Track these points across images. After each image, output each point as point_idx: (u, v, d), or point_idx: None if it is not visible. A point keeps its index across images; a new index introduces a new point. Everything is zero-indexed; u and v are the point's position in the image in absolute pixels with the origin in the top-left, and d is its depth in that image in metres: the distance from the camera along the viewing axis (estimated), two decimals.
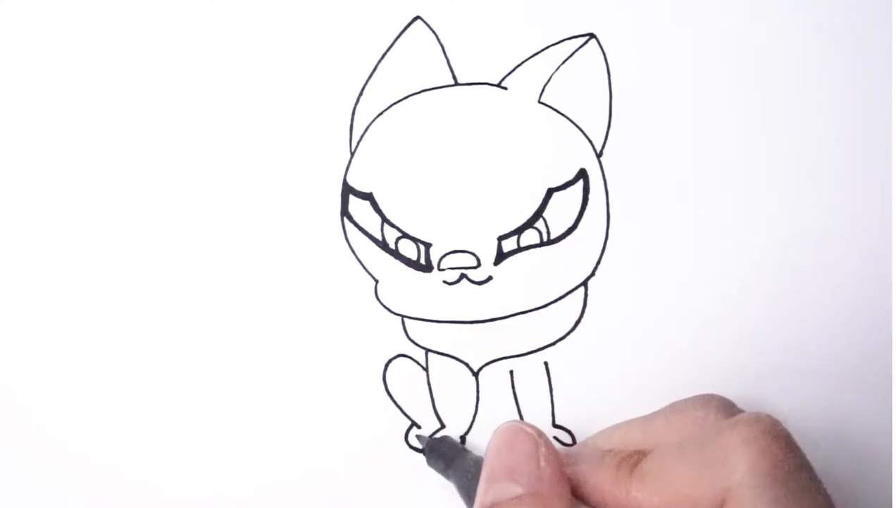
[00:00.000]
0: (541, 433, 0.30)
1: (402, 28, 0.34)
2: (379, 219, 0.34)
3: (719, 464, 0.28)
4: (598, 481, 0.30)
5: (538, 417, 0.35)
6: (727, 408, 0.31)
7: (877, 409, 0.34)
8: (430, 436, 0.35)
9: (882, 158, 0.34)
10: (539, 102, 0.34)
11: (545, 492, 0.29)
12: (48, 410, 0.35)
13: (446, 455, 0.34)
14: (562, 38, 0.34)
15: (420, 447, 0.35)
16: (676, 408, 0.32)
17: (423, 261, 0.34)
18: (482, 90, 0.34)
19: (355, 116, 0.34)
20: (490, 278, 0.34)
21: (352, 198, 0.34)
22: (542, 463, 0.29)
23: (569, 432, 0.35)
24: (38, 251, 0.35)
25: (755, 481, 0.27)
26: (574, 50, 0.34)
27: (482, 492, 0.30)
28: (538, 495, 0.29)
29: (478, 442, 0.35)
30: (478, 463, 0.32)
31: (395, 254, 0.34)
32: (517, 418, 0.35)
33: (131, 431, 0.35)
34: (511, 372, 0.35)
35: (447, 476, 0.34)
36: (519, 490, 0.29)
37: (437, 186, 0.34)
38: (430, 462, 0.34)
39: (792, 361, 0.34)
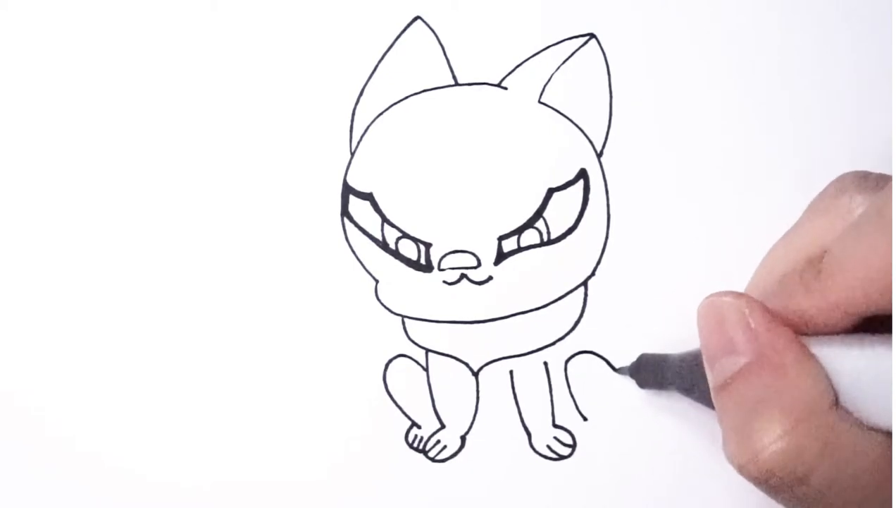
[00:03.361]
0: (738, 295, 0.29)
1: (402, 28, 0.34)
2: (379, 219, 0.34)
3: None
4: (790, 305, 0.29)
5: (538, 417, 0.35)
6: (864, 179, 0.29)
7: None
8: (618, 369, 0.34)
9: (883, 158, 0.34)
10: (539, 102, 0.34)
11: (767, 350, 0.28)
12: (48, 409, 0.35)
13: (653, 373, 0.34)
14: (562, 39, 0.34)
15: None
16: (816, 209, 0.30)
17: (423, 261, 0.34)
18: (482, 90, 0.34)
19: (355, 116, 0.34)
20: (490, 278, 0.34)
21: (352, 198, 0.34)
22: (753, 324, 0.29)
23: (569, 432, 0.35)
24: (40, 251, 0.35)
25: None
26: (574, 50, 0.34)
27: (711, 377, 0.30)
28: (762, 356, 0.28)
29: (479, 442, 0.35)
30: (685, 361, 0.32)
31: (395, 254, 0.34)
32: (517, 418, 0.35)
33: (133, 431, 0.35)
34: (511, 372, 0.35)
35: (667, 389, 0.34)
36: (742, 360, 0.28)
37: (437, 186, 0.34)
38: (643, 386, 0.34)
39: None
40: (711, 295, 0.30)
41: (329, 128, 0.34)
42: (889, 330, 0.27)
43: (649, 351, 0.34)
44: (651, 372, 0.34)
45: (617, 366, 0.35)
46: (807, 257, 0.29)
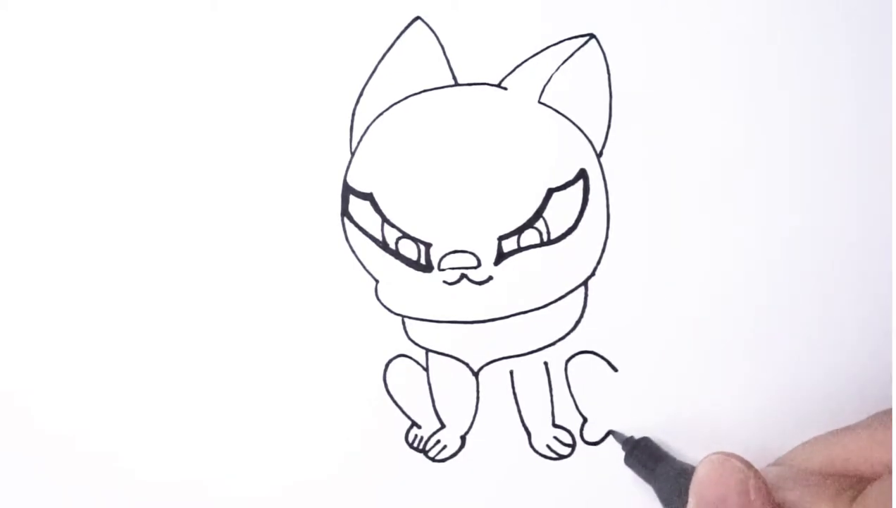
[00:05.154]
0: (749, 465, 0.30)
1: (402, 28, 0.34)
2: (379, 219, 0.34)
3: None
4: (810, 505, 0.30)
5: (538, 417, 0.35)
6: None
7: (876, 409, 0.34)
8: (627, 438, 0.34)
9: (883, 157, 0.34)
10: (539, 102, 0.34)
11: None
12: (48, 409, 0.35)
13: (647, 461, 0.34)
14: (562, 39, 0.34)
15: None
16: (881, 421, 0.31)
17: (423, 261, 0.34)
18: (482, 90, 0.34)
19: (355, 117, 0.34)
20: (490, 278, 0.34)
21: (352, 198, 0.34)
22: (753, 496, 0.30)
23: (569, 432, 0.35)
24: (40, 252, 0.35)
25: None
26: (574, 50, 0.34)
27: None
28: None
29: (479, 442, 0.35)
30: (683, 473, 0.32)
31: (396, 254, 0.34)
32: (517, 418, 0.35)
33: (133, 430, 0.35)
34: (511, 372, 0.35)
35: (647, 480, 0.34)
36: None
37: (437, 186, 0.34)
38: (628, 463, 0.34)
39: (792, 360, 0.34)
40: (722, 452, 0.31)
41: (329, 128, 0.34)
42: None
43: (652, 353, 0.34)
44: (643, 464, 0.34)
45: (609, 434, 0.35)
46: (854, 465, 0.30)
